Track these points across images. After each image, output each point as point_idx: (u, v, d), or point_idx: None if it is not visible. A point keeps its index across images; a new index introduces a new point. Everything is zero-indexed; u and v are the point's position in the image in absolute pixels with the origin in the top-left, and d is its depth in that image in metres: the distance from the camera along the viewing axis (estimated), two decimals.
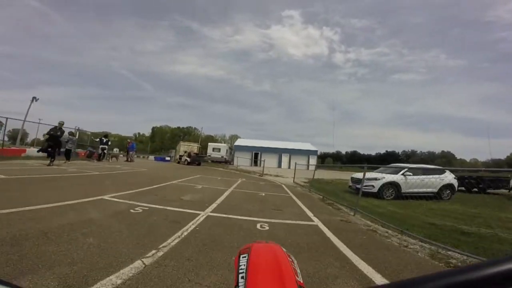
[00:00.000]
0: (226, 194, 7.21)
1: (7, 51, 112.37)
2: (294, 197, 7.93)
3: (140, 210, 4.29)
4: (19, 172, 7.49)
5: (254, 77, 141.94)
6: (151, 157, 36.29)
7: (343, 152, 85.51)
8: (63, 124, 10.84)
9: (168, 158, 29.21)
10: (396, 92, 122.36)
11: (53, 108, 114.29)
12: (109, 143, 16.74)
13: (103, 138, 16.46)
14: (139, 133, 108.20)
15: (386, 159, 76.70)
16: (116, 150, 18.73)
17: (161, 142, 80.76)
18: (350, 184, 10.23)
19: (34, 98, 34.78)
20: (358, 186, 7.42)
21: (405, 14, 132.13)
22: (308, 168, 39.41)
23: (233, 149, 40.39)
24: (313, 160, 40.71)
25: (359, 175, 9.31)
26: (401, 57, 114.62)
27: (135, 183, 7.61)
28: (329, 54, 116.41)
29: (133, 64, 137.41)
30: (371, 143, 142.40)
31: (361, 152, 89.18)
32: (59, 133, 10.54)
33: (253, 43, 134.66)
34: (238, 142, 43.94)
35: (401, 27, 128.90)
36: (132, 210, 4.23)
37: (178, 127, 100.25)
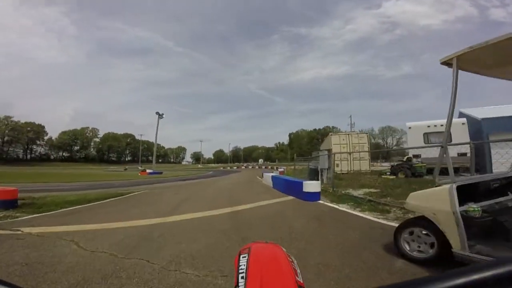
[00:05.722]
0: None
1: (181, 92, 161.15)
2: None
3: None
4: None
5: (386, 62, 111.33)
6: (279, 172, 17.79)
7: None
8: None
9: (316, 191, 7.21)
10: None
11: (220, 132, 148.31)
12: None
13: None
14: (279, 143, 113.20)
15: None
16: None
17: (299, 148, 77.21)
18: None
19: (158, 113, 33.78)
20: None
21: None
22: None
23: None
24: None
25: None
26: None
27: None
28: (480, 12, 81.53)
29: (264, 82, 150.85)
30: None
31: None
32: None
33: (370, 27, 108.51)
34: (495, 112, 13.83)
35: None
36: None
37: (314, 129, 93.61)
